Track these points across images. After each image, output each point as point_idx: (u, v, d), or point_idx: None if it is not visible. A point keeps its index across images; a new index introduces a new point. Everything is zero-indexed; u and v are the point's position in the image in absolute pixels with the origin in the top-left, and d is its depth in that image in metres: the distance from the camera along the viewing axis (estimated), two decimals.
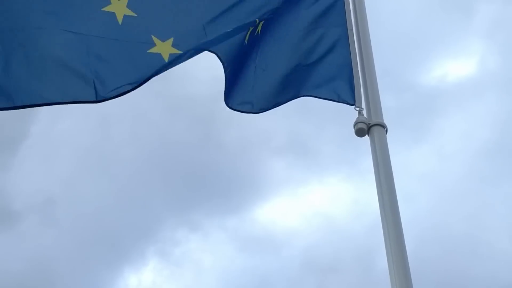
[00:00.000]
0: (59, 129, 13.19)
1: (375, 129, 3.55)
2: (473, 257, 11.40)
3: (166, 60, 3.63)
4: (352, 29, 4.14)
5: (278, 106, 4.17)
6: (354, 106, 3.82)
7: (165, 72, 3.70)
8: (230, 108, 4.01)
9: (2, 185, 12.65)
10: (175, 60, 3.67)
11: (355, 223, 12.58)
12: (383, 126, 3.57)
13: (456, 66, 13.19)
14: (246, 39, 4.02)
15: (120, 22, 3.69)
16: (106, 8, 3.67)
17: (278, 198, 14.03)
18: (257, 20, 4.08)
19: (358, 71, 3.93)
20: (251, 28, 4.05)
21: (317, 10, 4.36)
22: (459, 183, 12.00)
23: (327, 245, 12.76)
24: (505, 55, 12.65)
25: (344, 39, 4.16)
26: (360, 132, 3.59)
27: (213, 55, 3.83)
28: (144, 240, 13.76)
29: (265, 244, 13.41)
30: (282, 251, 13.37)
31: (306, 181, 13.51)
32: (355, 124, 3.62)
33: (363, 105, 3.78)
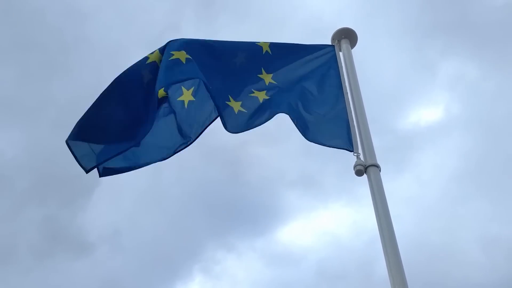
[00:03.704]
0: (122, 176, 13.28)
1: (371, 169, 3.50)
2: (451, 263, 11.25)
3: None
4: (347, 93, 4.10)
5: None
6: (352, 152, 3.71)
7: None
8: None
9: (80, 223, 12.74)
10: None
11: (356, 240, 12.46)
12: (377, 166, 3.53)
13: (427, 113, 13.19)
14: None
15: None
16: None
17: (294, 222, 13.97)
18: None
19: (354, 124, 3.89)
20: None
21: (319, 79, 4.29)
22: (436, 204, 11.90)
23: (335, 257, 12.65)
24: (464, 103, 12.70)
25: (341, 101, 4.10)
26: (359, 173, 3.53)
27: None
28: (191, 260, 13.73)
29: (286, 259, 13.32)
30: (300, 264, 13.25)
31: (315, 207, 13.45)
32: (355, 166, 3.55)
33: (360, 150, 3.70)
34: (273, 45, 4.35)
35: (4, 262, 12.22)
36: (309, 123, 4.09)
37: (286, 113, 4.11)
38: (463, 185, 11.95)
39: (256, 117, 4.01)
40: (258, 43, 4.32)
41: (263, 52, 4.29)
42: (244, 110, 3.97)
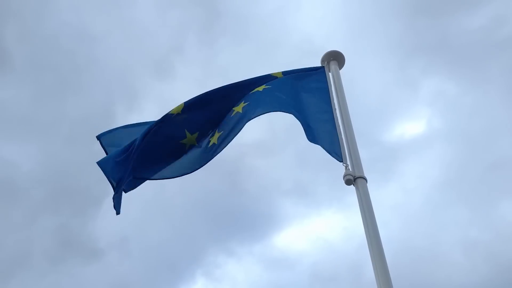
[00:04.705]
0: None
1: (359, 181, 3.46)
2: (434, 265, 11.24)
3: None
4: (335, 109, 4.07)
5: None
6: (342, 162, 3.63)
7: None
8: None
9: (91, 231, 12.71)
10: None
11: (346, 244, 12.45)
12: (364, 178, 3.49)
13: (410, 126, 13.27)
14: None
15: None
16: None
17: (290, 228, 13.95)
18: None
19: (342, 138, 3.83)
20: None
21: (311, 94, 4.29)
22: (419, 210, 11.93)
23: (328, 261, 12.63)
24: (445, 117, 12.79)
25: (331, 116, 4.05)
26: (348, 182, 3.48)
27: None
28: (194, 264, 13.68)
29: (282, 263, 13.28)
30: (295, 267, 13.22)
31: (308, 214, 13.45)
32: (344, 176, 3.50)
33: (348, 161, 3.63)
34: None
35: (21, 267, 12.19)
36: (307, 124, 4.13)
37: (277, 110, 4.28)
38: (444, 193, 12.00)
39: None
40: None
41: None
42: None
